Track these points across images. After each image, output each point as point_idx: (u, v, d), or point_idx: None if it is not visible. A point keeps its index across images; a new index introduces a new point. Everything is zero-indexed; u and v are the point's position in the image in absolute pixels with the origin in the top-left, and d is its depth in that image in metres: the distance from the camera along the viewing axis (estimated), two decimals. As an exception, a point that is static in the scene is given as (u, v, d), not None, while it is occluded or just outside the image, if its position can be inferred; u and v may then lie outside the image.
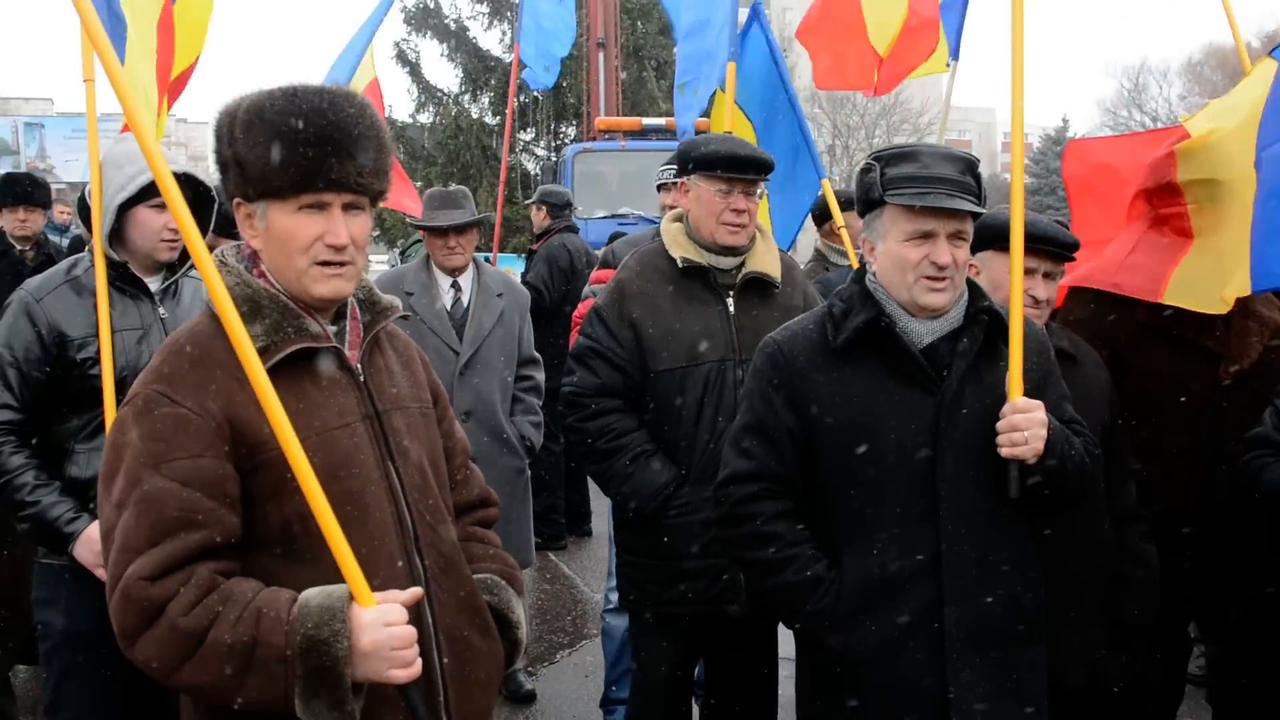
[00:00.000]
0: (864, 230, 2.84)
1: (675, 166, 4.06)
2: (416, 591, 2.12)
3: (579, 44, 16.55)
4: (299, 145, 2.07)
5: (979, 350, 2.77)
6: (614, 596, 4.67)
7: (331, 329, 2.24)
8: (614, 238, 7.25)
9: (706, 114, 6.18)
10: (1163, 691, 3.73)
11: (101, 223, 3.37)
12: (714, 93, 5.79)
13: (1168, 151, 3.67)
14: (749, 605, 3.54)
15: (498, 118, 23.73)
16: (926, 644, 2.67)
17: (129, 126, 2.33)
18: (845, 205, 5.77)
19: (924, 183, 2.68)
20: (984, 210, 2.76)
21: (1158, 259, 3.66)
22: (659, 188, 5.92)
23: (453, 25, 24.69)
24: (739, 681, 3.97)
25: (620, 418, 3.75)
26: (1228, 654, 3.87)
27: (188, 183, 3.41)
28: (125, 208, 3.38)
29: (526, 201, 10.87)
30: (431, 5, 24.55)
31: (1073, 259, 3.40)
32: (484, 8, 24.73)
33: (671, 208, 4.14)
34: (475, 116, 24.23)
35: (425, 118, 25.01)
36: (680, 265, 3.76)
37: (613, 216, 14.44)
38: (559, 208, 8.35)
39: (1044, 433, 2.67)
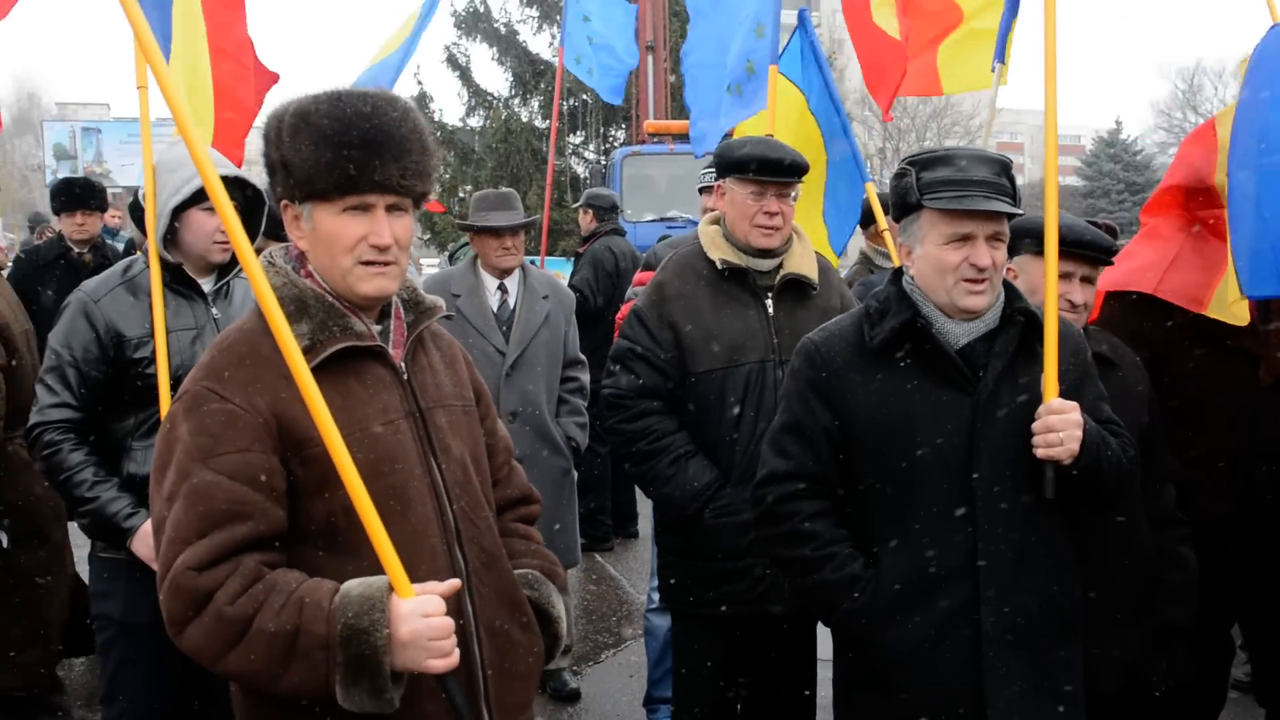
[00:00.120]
0: (900, 234, 2.85)
1: (715, 170, 4.08)
2: (454, 583, 2.15)
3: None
4: (343, 148, 2.12)
5: (1015, 351, 2.77)
6: (656, 596, 4.68)
7: (376, 328, 2.29)
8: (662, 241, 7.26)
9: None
10: (1204, 696, 3.70)
11: (156, 225, 3.43)
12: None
13: (1209, 149, 3.63)
14: (792, 604, 3.55)
15: (547, 121, 23.70)
16: (963, 642, 2.68)
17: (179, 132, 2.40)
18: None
19: (961, 186, 2.68)
20: (1021, 212, 2.77)
21: (1201, 267, 3.63)
22: (700, 191, 5.94)
23: (503, 29, 24.74)
24: (780, 681, 3.97)
25: (661, 419, 3.76)
26: (1274, 654, 3.83)
27: (239, 186, 3.49)
28: (179, 211, 3.44)
29: (574, 205, 10.87)
30: (481, 9, 24.65)
31: (1110, 263, 3.38)
32: (534, 11, 24.77)
33: (711, 210, 4.17)
34: (525, 120, 24.26)
35: (475, 121, 25.09)
36: (719, 267, 3.77)
37: (661, 220, 14.48)
38: (605, 210, 8.34)
39: (1079, 433, 2.67)
